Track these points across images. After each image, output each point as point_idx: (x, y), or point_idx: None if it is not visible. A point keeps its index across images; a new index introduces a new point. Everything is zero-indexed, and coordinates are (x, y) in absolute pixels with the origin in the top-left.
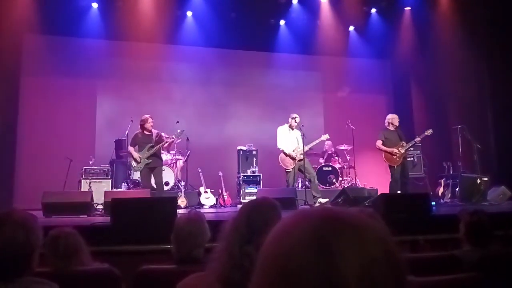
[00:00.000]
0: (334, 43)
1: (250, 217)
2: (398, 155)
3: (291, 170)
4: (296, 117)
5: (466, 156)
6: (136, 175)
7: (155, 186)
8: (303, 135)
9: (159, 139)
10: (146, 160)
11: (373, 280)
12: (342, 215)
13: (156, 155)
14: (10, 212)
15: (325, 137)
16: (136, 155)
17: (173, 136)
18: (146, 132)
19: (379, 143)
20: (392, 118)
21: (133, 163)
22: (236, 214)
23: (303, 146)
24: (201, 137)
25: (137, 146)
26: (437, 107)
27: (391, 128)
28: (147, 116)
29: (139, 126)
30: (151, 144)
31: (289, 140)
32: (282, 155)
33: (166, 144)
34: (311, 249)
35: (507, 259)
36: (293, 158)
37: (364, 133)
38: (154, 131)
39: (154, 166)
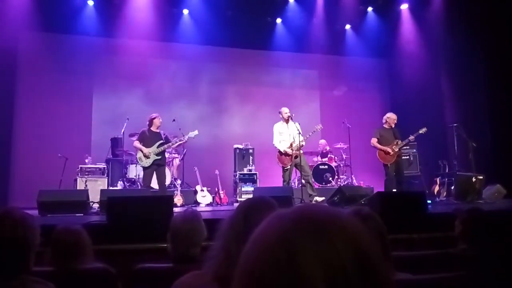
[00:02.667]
0: (330, 41)
1: (247, 216)
2: (392, 153)
3: (288, 168)
4: (284, 111)
5: (461, 154)
6: (132, 174)
7: (157, 185)
8: (299, 133)
9: (167, 138)
10: (155, 156)
11: (340, 279)
12: (312, 215)
13: (163, 153)
14: (9, 210)
15: (318, 127)
16: (146, 150)
17: (187, 137)
18: (153, 130)
19: (374, 141)
20: (390, 118)
21: (142, 158)
22: (233, 213)
23: (299, 141)
24: (197, 136)
25: (142, 143)
26: (433, 106)
27: (387, 126)
28: (156, 114)
29: (148, 123)
30: (162, 141)
31: (285, 136)
32: (278, 153)
33: (176, 144)
34: (277, 251)
35: (502, 257)
36: (289, 155)
37: (360, 131)
38: (160, 130)
39: (161, 164)
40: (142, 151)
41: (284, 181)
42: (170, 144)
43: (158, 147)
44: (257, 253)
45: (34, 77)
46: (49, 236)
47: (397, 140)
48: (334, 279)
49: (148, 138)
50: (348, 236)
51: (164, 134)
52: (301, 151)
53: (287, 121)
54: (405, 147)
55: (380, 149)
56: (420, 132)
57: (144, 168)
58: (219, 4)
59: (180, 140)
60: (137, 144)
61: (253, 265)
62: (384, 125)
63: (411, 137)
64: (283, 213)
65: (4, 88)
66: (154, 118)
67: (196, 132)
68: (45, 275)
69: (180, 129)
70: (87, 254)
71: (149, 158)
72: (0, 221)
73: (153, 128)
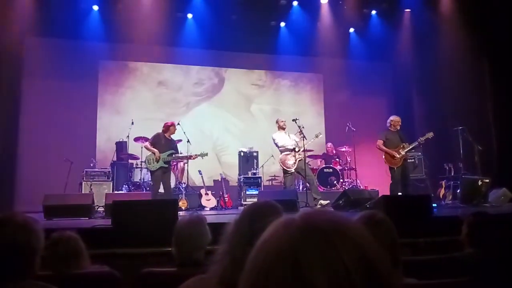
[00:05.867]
0: (334, 45)
1: (252, 220)
2: (398, 157)
3: (290, 173)
4: (281, 120)
5: (467, 157)
6: (137, 177)
7: (163, 189)
8: (303, 137)
9: (176, 148)
10: (163, 163)
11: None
12: (319, 222)
13: (170, 161)
14: (12, 214)
15: (317, 135)
16: (158, 154)
17: (196, 155)
18: (167, 136)
19: (379, 143)
20: (394, 120)
21: (151, 161)
22: (238, 216)
23: (303, 145)
24: (202, 139)
25: (153, 146)
26: (438, 109)
27: (393, 129)
28: (174, 122)
29: (163, 128)
30: (174, 152)
31: (287, 141)
32: (282, 156)
33: (184, 159)
34: (282, 259)
35: (508, 262)
36: (294, 151)
37: (364, 134)
38: (173, 138)
39: (167, 170)
40: (154, 154)
41: (285, 186)
42: (179, 156)
43: (169, 155)
44: (262, 260)
45: (39, 82)
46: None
47: (403, 144)
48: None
49: (161, 143)
50: (354, 245)
51: (175, 143)
52: (304, 156)
53: (281, 129)
54: (411, 151)
55: (386, 152)
56: (427, 136)
57: (152, 172)
58: (223, 8)
59: (191, 157)
60: (149, 146)
61: (258, 272)
62: (390, 128)
63: (419, 141)
64: (290, 220)
65: (9, 93)
66: (171, 125)
67: (206, 153)
68: (50, 279)
69: (184, 132)
70: (82, 259)
71: (158, 163)
72: (3, 225)
73: (167, 135)
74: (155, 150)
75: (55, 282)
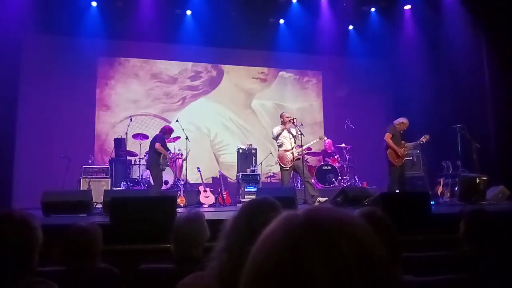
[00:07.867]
0: (333, 42)
1: (250, 217)
2: (401, 156)
3: (288, 168)
4: (288, 116)
5: (465, 155)
6: (136, 174)
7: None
8: (301, 134)
9: None
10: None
11: (346, 285)
12: (321, 220)
13: None
14: (9, 212)
15: (321, 137)
16: (168, 155)
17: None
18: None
19: (388, 136)
20: (405, 124)
21: (164, 163)
22: (237, 213)
23: (302, 146)
24: (200, 136)
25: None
26: (436, 106)
27: (398, 129)
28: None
29: (167, 132)
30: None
31: (287, 137)
32: (281, 152)
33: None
34: (283, 256)
35: (506, 259)
36: (292, 154)
37: (363, 132)
38: None
39: None
40: (167, 157)
41: (282, 182)
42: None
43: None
44: (263, 256)
45: (37, 79)
46: (53, 236)
47: (404, 142)
48: (340, 286)
49: (165, 145)
50: (357, 242)
51: None
52: (302, 155)
53: (284, 123)
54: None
55: (393, 148)
56: (423, 139)
57: (160, 171)
58: (222, 5)
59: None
60: (163, 149)
61: (259, 267)
62: (396, 126)
63: (423, 138)
64: (292, 217)
65: (8, 90)
66: (172, 131)
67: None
68: (48, 275)
69: (183, 129)
70: (98, 253)
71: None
72: (0, 223)
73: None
74: (167, 153)
75: (54, 278)
